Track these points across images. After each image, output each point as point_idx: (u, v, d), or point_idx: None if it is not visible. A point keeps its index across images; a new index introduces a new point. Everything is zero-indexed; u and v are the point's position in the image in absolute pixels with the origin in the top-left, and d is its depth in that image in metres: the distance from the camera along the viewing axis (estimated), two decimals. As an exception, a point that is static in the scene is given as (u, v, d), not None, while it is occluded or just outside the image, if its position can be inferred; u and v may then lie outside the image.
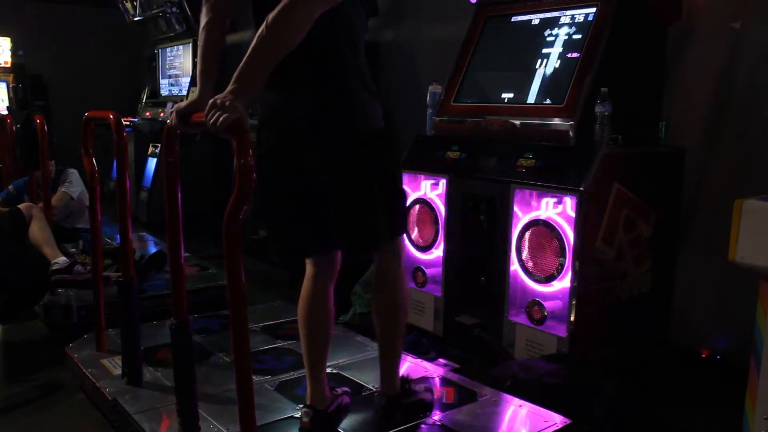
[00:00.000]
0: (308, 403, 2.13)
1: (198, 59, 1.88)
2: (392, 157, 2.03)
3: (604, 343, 2.77)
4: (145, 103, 7.35)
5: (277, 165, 1.97)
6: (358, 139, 1.88)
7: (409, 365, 2.69)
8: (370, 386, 2.46)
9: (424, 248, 3.30)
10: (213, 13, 1.86)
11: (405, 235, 2.19)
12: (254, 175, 1.55)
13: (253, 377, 1.78)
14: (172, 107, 2.06)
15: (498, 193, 2.88)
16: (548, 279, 2.72)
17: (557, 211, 2.71)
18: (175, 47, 6.84)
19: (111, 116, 2.51)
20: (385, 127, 1.95)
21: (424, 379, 2.47)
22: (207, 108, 1.59)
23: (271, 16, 1.61)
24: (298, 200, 1.97)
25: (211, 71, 1.86)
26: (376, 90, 1.93)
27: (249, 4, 1.88)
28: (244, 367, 1.67)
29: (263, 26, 1.62)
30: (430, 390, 2.31)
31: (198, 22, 1.95)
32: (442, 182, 3.16)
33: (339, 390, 2.25)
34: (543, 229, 2.73)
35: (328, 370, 2.55)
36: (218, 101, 1.57)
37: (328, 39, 1.78)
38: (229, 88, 1.60)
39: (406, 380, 2.24)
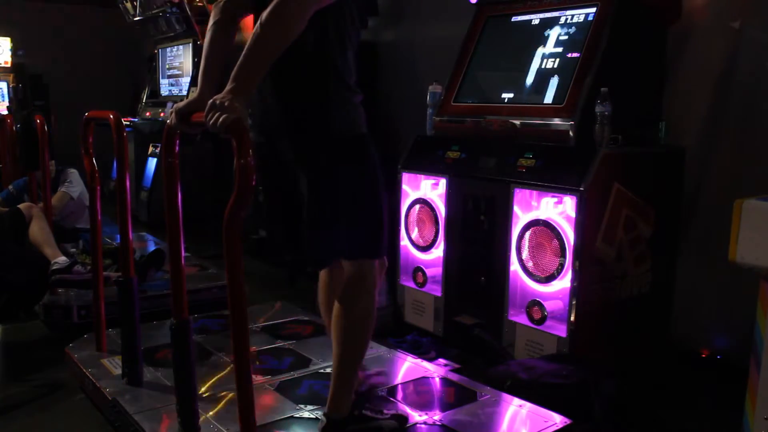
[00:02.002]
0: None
1: (201, 58, 1.89)
2: (369, 166, 1.91)
3: (604, 343, 2.77)
4: (145, 103, 7.35)
5: (264, 166, 1.97)
6: (332, 141, 1.84)
7: (409, 365, 2.69)
8: (370, 386, 2.45)
9: (424, 248, 3.31)
10: (222, 15, 1.87)
11: (381, 264, 2.02)
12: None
13: (253, 377, 1.78)
14: (172, 107, 2.06)
15: (498, 193, 2.88)
16: (548, 279, 2.72)
17: (557, 211, 2.71)
18: (175, 47, 6.84)
19: (111, 116, 2.51)
20: (366, 134, 1.91)
21: (391, 405, 2.31)
22: (207, 108, 1.59)
23: (264, 14, 1.61)
24: (283, 203, 1.99)
25: (213, 71, 1.87)
26: (360, 94, 1.91)
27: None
28: (244, 367, 1.67)
29: (257, 24, 1.62)
30: (401, 418, 2.14)
31: (198, 22, 1.96)
32: (442, 182, 3.16)
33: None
34: (543, 229, 2.73)
35: (328, 370, 2.55)
36: (217, 101, 1.58)
37: (316, 38, 1.76)
38: (228, 87, 1.61)
39: (361, 404, 2.10)
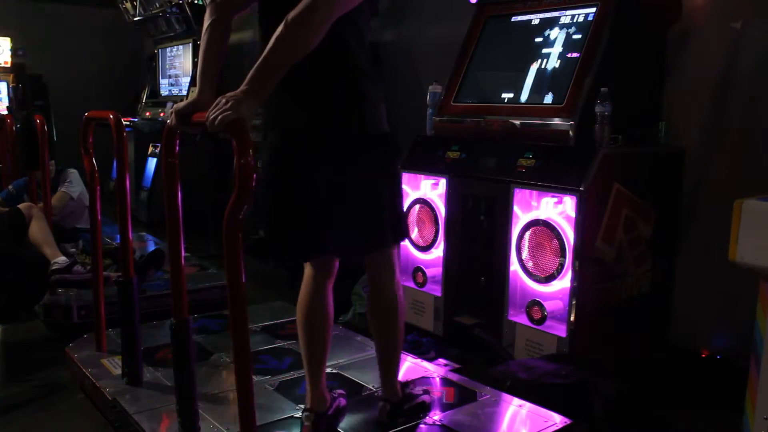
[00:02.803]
0: (308, 406, 2.11)
1: (199, 59, 1.88)
2: (396, 161, 2.03)
3: (604, 343, 2.77)
4: (145, 103, 7.35)
5: (282, 167, 1.97)
6: (366, 141, 1.88)
7: (409, 365, 2.69)
8: (370, 386, 2.46)
9: (424, 248, 3.31)
10: (218, 14, 1.86)
11: (399, 247, 2.18)
12: (254, 175, 1.55)
13: (253, 377, 1.78)
14: (172, 107, 2.06)
15: (498, 193, 2.88)
16: (548, 279, 2.72)
17: (557, 211, 2.71)
18: (175, 47, 6.84)
19: (111, 116, 2.51)
20: (390, 130, 1.97)
21: (421, 381, 2.48)
22: (212, 105, 1.59)
23: (291, 15, 1.60)
24: (302, 204, 1.96)
25: (212, 71, 1.86)
26: (383, 91, 1.94)
27: (255, 6, 1.88)
28: (244, 367, 1.67)
29: (282, 26, 1.60)
30: (428, 392, 2.34)
31: (198, 22, 1.96)
32: (442, 182, 3.16)
33: (336, 392, 2.25)
34: (543, 229, 2.73)
35: (328, 370, 2.55)
36: (223, 100, 1.57)
37: (337, 39, 1.76)
38: (242, 88, 1.59)
39: (405, 384, 2.27)
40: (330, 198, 1.91)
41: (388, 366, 2.18)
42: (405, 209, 2.18)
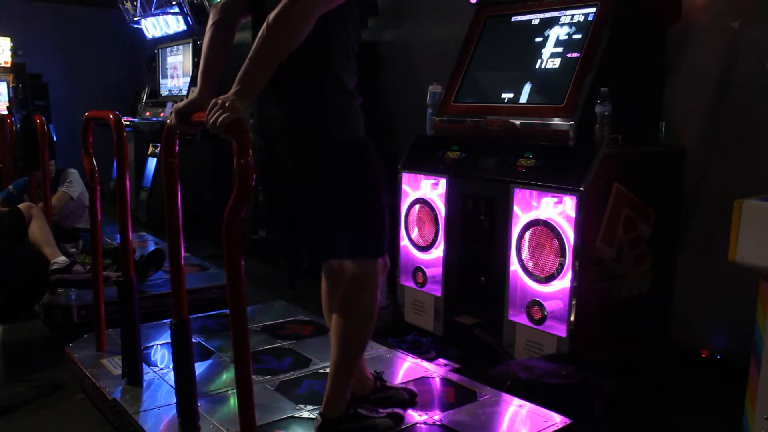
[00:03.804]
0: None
1: (201, 58, 1.89)
2: (369, 171, 1.90)
3: (604, 343, 2.77)
4: (145, 103, 7.36)
5: (264, 170, 1.97)
6: (329, 146, 1.83)
7: (409, 365, 2.69)
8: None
9: (424, 248, 3.31)
10: (221, 15, 1.87)
11: (383, 264, 1.99)
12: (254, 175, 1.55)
13: (253, 377, 1.78)
14: (172, 107, 2.07)
15: (498, 193, 2.88)
16: (548, 279, 2.72)
17: (557, 211, 2.71)
18: (175, 47, 6.84)
19: (111, 116, 2.51)
20: (364, 138, 1.90)
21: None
22: (208, 108, 1.60)
23: (271, 16, 1.61)
24: (281, 207, 1.99)
25: (213, 72, 1.87)
26: (359, 97, 1.90)
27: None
28: (244, 367, 1.68)
29: (263, 26, 1.62)
30: (395, 416, 2.15)
31: (198, 22, 1.96)
32: (442, 182, 3.16)
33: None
34: (543, 229, 2.73)
35: (323, 370, 2.56)
36: (219, 101, 1.58)
37: (315, 41, 1.75)
38: (233, 89, 1.61)
39: (358, 403, 2.10)
40: (291, 204, 1.93)
41: (330, 378, 1.98)
42: (395, 218, 1.96)
